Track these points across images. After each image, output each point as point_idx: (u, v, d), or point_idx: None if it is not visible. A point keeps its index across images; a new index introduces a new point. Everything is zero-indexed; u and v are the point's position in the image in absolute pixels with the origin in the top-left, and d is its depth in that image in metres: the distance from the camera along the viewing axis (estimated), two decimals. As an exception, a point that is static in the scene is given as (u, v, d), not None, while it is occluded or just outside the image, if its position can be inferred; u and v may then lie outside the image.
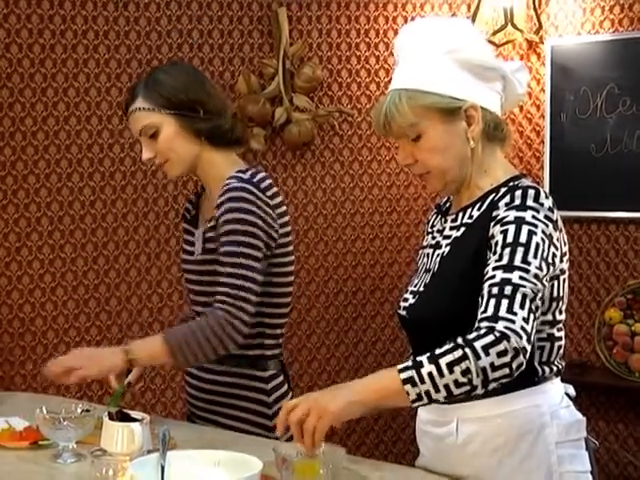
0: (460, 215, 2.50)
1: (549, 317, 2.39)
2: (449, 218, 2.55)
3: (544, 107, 5.38)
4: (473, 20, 5.24)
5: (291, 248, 3.03)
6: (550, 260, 2.32)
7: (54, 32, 4.67)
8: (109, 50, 4.80)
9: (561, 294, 2.42)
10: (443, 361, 2.17)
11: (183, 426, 2.83)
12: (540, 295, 2.28)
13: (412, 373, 2.18)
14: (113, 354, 2.86)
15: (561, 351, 2.46)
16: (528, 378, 2.36)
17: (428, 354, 2.19)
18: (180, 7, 4.92)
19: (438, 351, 2.19)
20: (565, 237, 2.42)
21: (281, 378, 3.04)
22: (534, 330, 2.24)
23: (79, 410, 2.70)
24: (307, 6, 5.15)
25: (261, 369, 3.00)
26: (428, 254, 2.58)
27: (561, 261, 2.39)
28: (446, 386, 2.17)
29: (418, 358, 2.20)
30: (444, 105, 2.40)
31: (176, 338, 2.84)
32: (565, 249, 2.41)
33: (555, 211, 2.38)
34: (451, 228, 2.51)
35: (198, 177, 3.15)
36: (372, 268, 5.33)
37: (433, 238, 2.60)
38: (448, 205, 2.63)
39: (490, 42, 5.25)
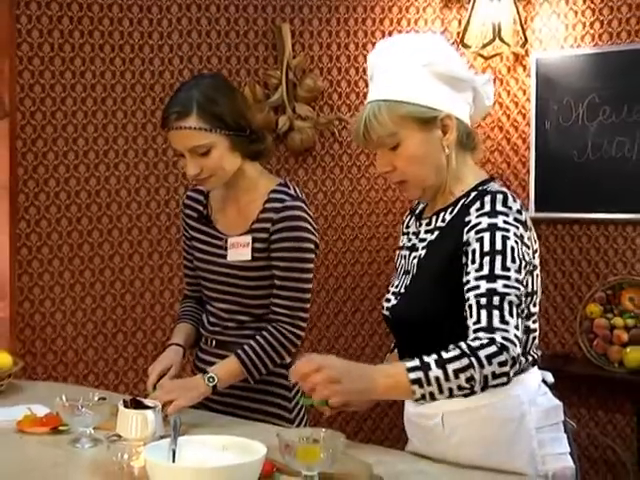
0: (434, 219, 2.49)
1: (524, 311, 2.38)
2: (424, 222, 2.54)
3: (530, 115, 5.38)
4: (463, 34, 5.25)
5: None
6: (525, 259, 2.34)
7: (73, 46, 4.68)
8: (124, 62, 4.80)
9: (535, 288, 2.43)
10: (450, 367, 2.19)
11: (192, 413, 2.82)
12: (522, 297, 2.31)
13: (420, 375, 2.20)
14: (198, 383, 2.87)
15: (536, 341, 2.47)
16: None
17: (435, 357, 2.20)
18: (190, 22, 4.92)
19: (445, 356, 2.20)
20: (535, 235, 2.43)
21: None
22: (521, 336, 2.27)
23: (96, 398, 2.70)
24: (309, 21, 5.15)
25: (284, 366, 3.01)
26: (405, 256, 2.58)
27: (533, 257, 2.40)
28: (449, 389, 2.20)
29: (426, 359, 2.21)
30: (421, 114, 2.39)
31: (249, 357, 2.89)
32: (536, 246, 2.42)
33: (524, 212, 2.39)
34: (426, 232, 2.51)
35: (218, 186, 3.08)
36: (369, 266, 5.33)
37: (409, 240, 2.60)
38: (422, 208, 2.62)
39: (479, 55, 5.28)
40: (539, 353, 2.49)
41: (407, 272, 2.53)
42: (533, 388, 2.43)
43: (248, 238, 2.96)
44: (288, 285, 2.92)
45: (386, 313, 2.56)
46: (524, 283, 2.32)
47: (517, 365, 2.23)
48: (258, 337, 2.92)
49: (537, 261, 2.42)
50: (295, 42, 5.09)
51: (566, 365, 5.11)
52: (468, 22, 5.27)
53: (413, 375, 2.20)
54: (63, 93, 4.72)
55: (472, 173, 2.50)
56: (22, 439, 2.71)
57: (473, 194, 2.43)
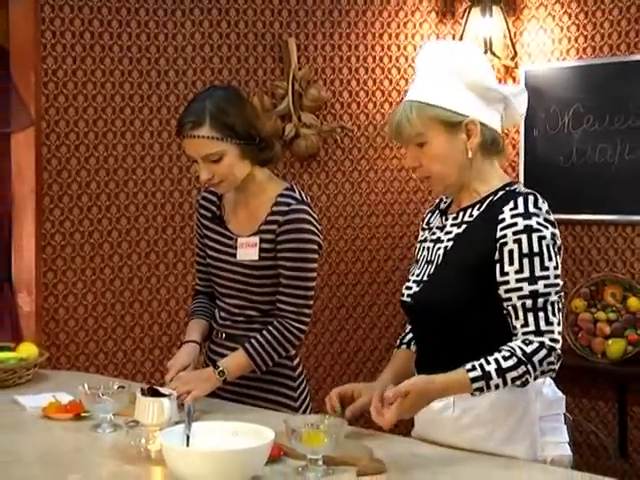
0: (461, 214, 2.49)
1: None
2: (450, 217, 2.54)
3: (519, 124, 5.37)
4: (457, 48, 5.25)
5: None
6: (558, 251, 2.38)
7: (94, 59, 4.69)
8: (141, 74, 4.80)
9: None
10: (509, 376, 2.26)
11: (205, 401, 2.82)
12: (561, 293, 2.37)
13: (482, 384, 2.26)
14: (211, 376, 2.87)
15: None
16: None
17: (495, 367, 2.25)
18: (203, 37, 4.92)
19: (504, 365, 2.25)
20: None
21: (297, 358, 3.07)
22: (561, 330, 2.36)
23: (116, 386, 2.71)
24: (313, 36, 5.15)
25: (289, 357, 3.03)
26: (428, 247, 2.56)
27: (560, 256, 2.42)
28: (497, 387, 2.28)
29: (487, 369, 2.25)
30: (447, 118, 2.40)
31: (256, 350, 2.90)
32: (560, 243, 2.44)
33: (550, 211, 2.42)
34: (452, 225, 2.51)
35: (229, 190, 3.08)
36: (369, 264, 5.33)
37: (433, 234, 2.58)
38: (446, 206, 2.61)
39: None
40: None
41: (430, 262, 2.52)
42: (540, 379, 2.42)
43: (256, 239, 2.96)
44: (293, 283, 2.92)
45: (407, 300, 2.54)
46: (561, 276, 2.36)
47: (560, 359, 2.33)
48: (264, 331, 2.92)
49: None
50: (300, 55, 5.09)
51: (553, 356, 5.12)
52: (461, 37, 5.27)
53: (476, 385, 2.25)
54: (85, 103, 4.72)
55: (497, 175, 2.52)
56: (47, 424, 2.71)
57: (501, 193, 2.45)
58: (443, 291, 2.44)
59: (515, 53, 5.32)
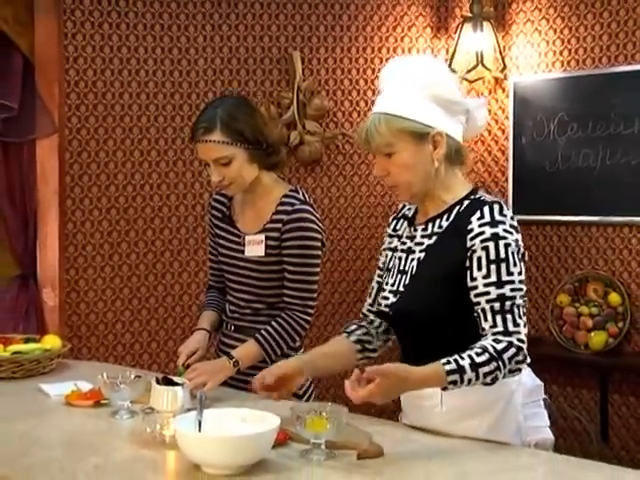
0: (430, 225, 2.46)
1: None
2: (419, 227, 2.50)
3: (508, 131, 5.37)
4: (450, 61, 5.24)
5: None
6: (522, 258, 2.37)
7: (113, 71, 4.69)
8: (157, 85, 4.80)
9: None
10: (482, 371, 2.23)
11: (216, 390, 2.82)
12: (525, 296, 2.37)
13: (457, 378, 2.22)
14: (224, 366, 2.88)
15: None
16: None
17: (469, 361, 2.22)
18: (214, 51, 4.92)
19: (477, 360, 2.23)
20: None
21: (302, 349, 3.07)
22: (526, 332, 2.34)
23: (132, 376, 2.70)
24: (316, 50, 5.14)
25: (294, 348, 3.03)
26: (400, 257, 2.53)
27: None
28: (471, 382, 2.24)
29: (461, 363, 2.22)
30: (415, 129, 2.37)
31: (267, 340, 2.91)
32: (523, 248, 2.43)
33: (514, 217, 2.40)
34: (422, 236, 2.47)
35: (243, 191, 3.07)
36: (369, 262, 5.32)
37: (403, 243, 2.54)
38: (412, 214, 2.58)
39: (464, 79, 5.27)
40: None
41: (403, 272, 2.49)
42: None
43: (262, 236, 2.96)
44: (298, 278, 2.93)
45: (385, 310, 2.52)
46: (524, 281, 2.36)
47: (527, 358, 2.31)
48: (273, 323, 2.92)
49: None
50: (305, 68, 5.09)
51: (539, 347, 5.10)
52: (455, 50, 5.26)
53: (451, 378, 2.22)
54: (104, 112, 4.72)
55: (461, 184, 2.48)
56: (69, 411, 2.71)
57: (466, 202, 2.42)
58: (419, 301, 2.42)
59: (504, 66, 5.31)
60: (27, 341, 3.32)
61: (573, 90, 5.13)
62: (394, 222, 2.64)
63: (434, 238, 2.44)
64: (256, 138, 2.90)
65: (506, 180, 5.39)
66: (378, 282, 2.66)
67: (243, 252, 3.01)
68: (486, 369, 2.23)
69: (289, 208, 2.92)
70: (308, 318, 2.96)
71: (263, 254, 2.96)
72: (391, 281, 2.53)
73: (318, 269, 2.97)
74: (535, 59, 5.30)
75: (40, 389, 2.93)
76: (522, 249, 2.39)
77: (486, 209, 2.36)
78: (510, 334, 2.28)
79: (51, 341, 3.32)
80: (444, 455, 2.26)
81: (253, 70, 5.02)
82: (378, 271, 2.68)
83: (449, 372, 2.21)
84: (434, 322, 2.38)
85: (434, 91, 2.38)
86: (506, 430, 2.38)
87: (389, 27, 5.29)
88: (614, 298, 4.99)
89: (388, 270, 2.58)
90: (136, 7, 4.76)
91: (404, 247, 2.54)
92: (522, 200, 5.32)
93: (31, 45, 4.49)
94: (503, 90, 5.40)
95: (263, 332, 2.91)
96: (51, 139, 4.57)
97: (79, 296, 4.72)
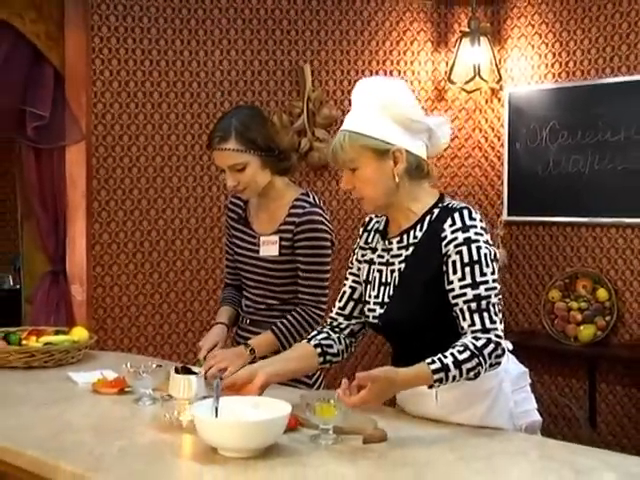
0: (405, 237, 2.43)
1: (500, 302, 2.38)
2: (394, 240, 2.46)
3: (503, 138, 5.36)
4: (450, 73, 5.25)
5: None
6: (494, 257, 2.33)
7: (136, 82, 4.70)
8: (177, 96, 4.81)
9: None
10: (464, 367, 2.22)
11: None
12: (499, 294, 2.33)
13: (442, 376, 2.22)
14: (243, 353, 2.85)
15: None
16: None
17: (452, 359, 2.21)
18: (230, 64, 4.92)
19: (460, 358, 2.22)
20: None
21: None
22: (503, 327, 2.32)
23: (154, 365, 2.71)
24: (325, 62, 5.14)
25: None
26: (380, 270, 2.48)
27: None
28: (455, 379, 2.24)
29: (445, 361, 2.21)
30: (376, 146, 2.34)
31: (282, 332, 2.90)
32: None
33: (482, 220, 2.37)
34: (399, 248, 2.43)
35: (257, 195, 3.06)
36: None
37: (380, 257, 2.49)
38: (383, 226, 2.53)
39: (463, 89, 5.27)
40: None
41: (385, 284, 2.45)
42: (504, 359, 2.40)
43: (276, 237, 2.96)
44: (310, 276, 2.92)
45: (374, 321, 2.49)
46: (497, 278, 2.33)
47: (506, 353, 2.30)
48: (289, 316, 2.92)
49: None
50: (314, 79, 5.09)
51: (532, 340, 5.11)
52: (454, 63, 5.26)
53: (437, 376, 2.21)
54: (128, 120, 4.73)
55: (427, 194, 2.44)
56: (96, 398, 2.72)
57: (436, 211, 2.39)
58: (406, 309, 2.40)
59: (500, 77, 5.31)
60: (57, 333, 3.33)
61: (564, 100, 5.12)
62: (365, 235, 2.59)
63: (411, 249, 2.40)
64: (268, 146, 2.90)
65: (502, 184, 5.39)
66: (351, 287, 2.60)
67: (258, 252, 3.01)
68: (468, 365, 2.22)
69: (300, 211, 2.92)
70: (321, 312, 2.95)
71: (277, 254, 2.96)
72: (374, 293, 2.48)
73: (329, 267, 2.97)
74: (528, 71, 5.29)
75: (69, 377, 2.94)
76: (493, 249, 2.35)
77: (457, 215, 2.33)
78: (488, 331, 2.27)
79: (79, 333, 3.33)
80: (444, 440, 2.26)
81: (266, 81, 5.02)
82: (351, 277, 2.61)
83: (434, 371, 2.21)
84: (421, 327, 2.37)
85: (394, 110, 2.34)
86: (499, 417, 2.37)
87: (392, 42, 5.29)
88: (602, 294, 4.98)
89: (368, 283, 2.53)
90: (158, 24, 4.77)
91: (382, 260, 2.49)
92: (516, 202, 5.32)
93: (61, 59, 4.50)
94: (499, 100, 5.39)
95: (279, 324, 2.91)
96: (79, 146, 4.58)
97: (105, 291, 4.73)
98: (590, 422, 5.01)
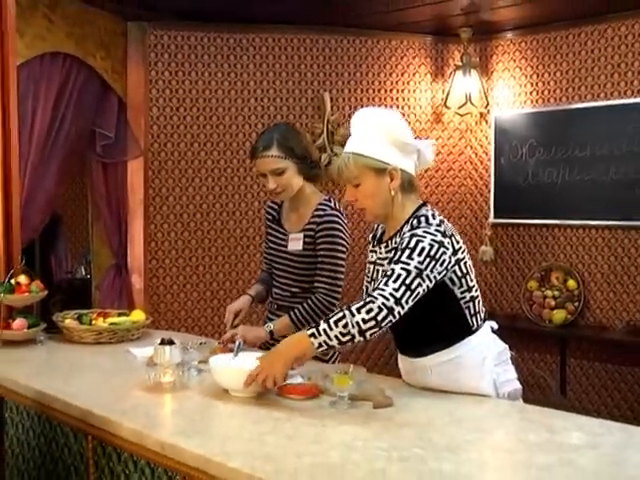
0: (390, 242, 2.40)
1: (464, 287, 2.30)
2: (382, 245, 2.44)
3: (490, 154, 5.35)
4: (445, 99, 5.23)
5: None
6: (438, 256, 2.23)
7: (185, 108, 4.70)
8: (218, 119, 4.81)
9: (465, 271, 2.31)
10: (331, 320, 2.17)
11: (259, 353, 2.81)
12: (419, 279, 2.19)
13: (313, 330, 2.17)
14: (260, 335, 2.84)
15: (481, 304, 2.37)
16: (468, 330, 2.32)
17: (325, 320, 2.18)
18: (262, 92, 4.93)
19: (329, 315, 2.19)
20: (457, 238, 2.31)
21: None
22: (407, 296, 2.17)
23: (199, 342, 2.72)
24: (341, 91, 5.13)
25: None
26: (377, 270, 2.45)
27: (455, 253, 2.28)
28: (336, 336, 2.16)
29: (319, 325, 2.18)
30: (375, 165, 2.32)
31: (297, 316, 2.86)
32: (458, 246, 2.30)
33: (442, 224, 2.30)
34: (387, 252, 2.41)
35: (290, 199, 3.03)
36: (381, 254, 5.31)
37: (379, 258, 2.46)
38: (381, 233, 2.51)
39: (457, 113, 5.25)
40: (485, 313, 2.41)
41: (374, 280, 2.43)
42: (487, 338, 2.37)
43: (301, 235, 2.95)
44: (327, 267, 2.89)
45: None
46: (428, 271, 2.20)
47: (385, 312, 2.14)
48: (304, 303, 2.89)
49: (463, 254, 2.31)
50: (332, 105, 5.08)
51: (514, 322, 5.09)
52: (449, 91, 5.25)
53: (309, 332, 2.18)
54: (178, 139, 4.75)
55: (412, 204, 2.39)
56: (152, 368, 2.71)
57: (411, 220, 2.35)
58: None
59: (487, 103, 5.30)
60: (120, 315, 3.34)
61: (540, 122, 5.11)
62: (372, 240, 2.57)
63: (392, 252, 2.36)
64: (303, 154, 2.90)
65: (489, 192, 5.37)
66: (365, 285, 2.54)
67: (286, 247, 3.00)
68: (334, 317, 2.16)
69: (322, 213, 2.91)
70: (334, 301, 2.91)
71: (301, 248, 2.95)
72: (370, 288, 2.46)
73: (343, 262, 2.94)
74: (511, 98, 5.28)
75: (129, 352, 2.95)
76: (436, 248, 2.24)
77: (415, 221, 2.31)
78: (374, 291, 2.18)
79: (138, 315, 3.34)
80: (441, 405, 2.25)
81: (292, 107, 5.02)
82: (366, 277, 2.57)
83: (308, 329, 2.19)
84: (409, 317, 2.31)
85: (391, 136, 2.32)
86: (486, 386, 2.34)
87: (398, 73, 5.27)
88: (571, 284, 4.97)
89: (373, 280, 2.49)
90: (203, 60, 4.78)
91: (379, 261, 2.47)
92: (501, 207, 5.30)
93: (124, 89, 4.52)
94: (486, 122, 5.37)
95: (295, 311, 2.89)
96: (138, 160, 4.60)
97: (159, 281, 4.74)
98: (561, 390, 4.99)
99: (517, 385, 2.42)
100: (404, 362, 2.45)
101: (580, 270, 4.96)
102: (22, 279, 3.16)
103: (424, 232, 2.25)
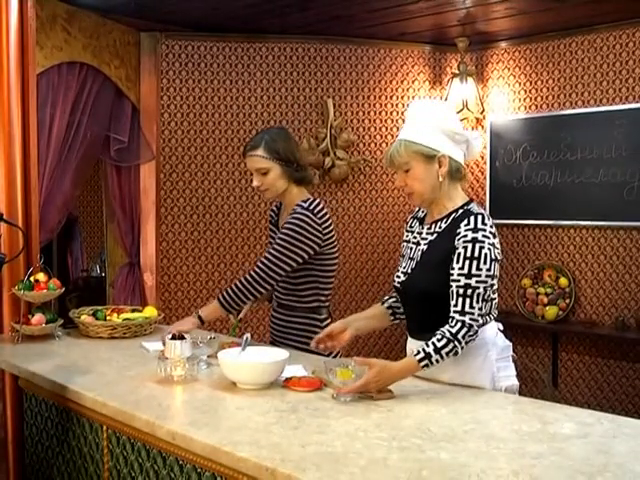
0: (434, 225, 2.44)
1: (489, 293, 2.35)
2: (425, 226, 2.47)
3: (486, 157, 5.34)
4: (443, 106, 5.24)
5: (335, 244, 2.97)
6: (495, 258, 2.31)
7: (195, 114, 4.70)
8: (227, 123, 4.82)
9: (497, 273, 2.38)
10: (444, 352, 2.22)
11: (265, 345, 2.82)
12: (491, 287, 2.30)
13: (427, 362, 2.22)
14: (190, 318, 2.86)
15: (495, 304, 2.42)
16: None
17: (433, 347, 2.21)
18: (269, 99, 4.93)
19: (439, 345, 2.22)
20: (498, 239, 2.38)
21: (329, 320, 3.01)
22: (487, 306, 2.32)
23: (208, 337, 2.72)
24: (344, 97, 5.13)
25: (318, 314, 2.98)
26: (411, 247, 2.50)
27: (499, 254, 2.35)
28: (443, 359, 2.24)
29: (427, 350, 2.21)
30: (426, 152, 2.35)
31: (225, 299, 2.83)
32: (499, 246, 2.37)
33: (493, 226, 2.35)
34: (427, 233, 2.45)
35: (280, 200, 3.07)
36: (382, 255, 5.31)
37: (414, 237, 2.51)
38: (423, 215, 2.54)
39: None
40: (496, 312, 2.44)
41: (412, 259, 2.47)
42: (493, 334, 2.40)
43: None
44: (269, 250, 2.86)
45: (397, 285, 2.51)
46: (493, 276, 2.30)
47: (477, 334, 2.27)
48: (232, 284, 2.86)
49: (500, 256, 2.38)
50: (335, 110, 5.08)
51: (509, 318, 5.08)
52: (447, 98, 5.24)
53: (422, 363, 2.22)
54: (189, 144, 4.75)
55: (460, 196, 2.44)
56: (164, 362, 2.72)
57: (461, 211, 2.38)
58: (421, 279, 2.40)
59: (483, 109, 5.29)
60: (133, 311, 3.35)
61: (533, 127, 5.10)
62: (411, 220, 2.60)
63: (435, 235, 2.41)
64: (288, 158, 2.90)
65: (485, 193, 5.37)
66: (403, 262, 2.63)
67: None
68: (447, 349, 2.21)
69: (293, 211, 2.90)
70: (264, 284, 2.81)
71: None
72: (403, 264, 2.51)
73: (293, 254, 2.84)
74: (505, 104, 5.27)
75: (142, 346, 2.96)
76: (497, 253, 2.32)
77: (472, 218, 2.32)
78: (464, 314, 2.24)
79: (150, 311, 3.35)
80: (439, 397, 2.25)
81: (297, 112, 5.02)
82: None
83: (420, 360, 2.21)
84: (431, 296, 2.36)
85: (442, 125, 2.35)
86: (484, 378, 2.36)
87: (398, 81, 5.27)
88: (563, 281, 4.96)
89: (402, 256, 2.56)
90: (212, 68, 4.78)
91: (415, 240, 2.51)
92: (497, 208, 5.29)
93: (137, 96, 4.52)
94: (482, 127, 5.37)
95: (223, 292, 2.86)
96: (150, 164, 4.60)
97: (170, 278, 4.75)
98: (553, 383, 4.99)
99: (515, 382, 2.43)
100: (412, 345, 2.47)
101: (571, 268, 4.96)
102: (41, 277, 3.17)
103: (483, 236, 2.29)
